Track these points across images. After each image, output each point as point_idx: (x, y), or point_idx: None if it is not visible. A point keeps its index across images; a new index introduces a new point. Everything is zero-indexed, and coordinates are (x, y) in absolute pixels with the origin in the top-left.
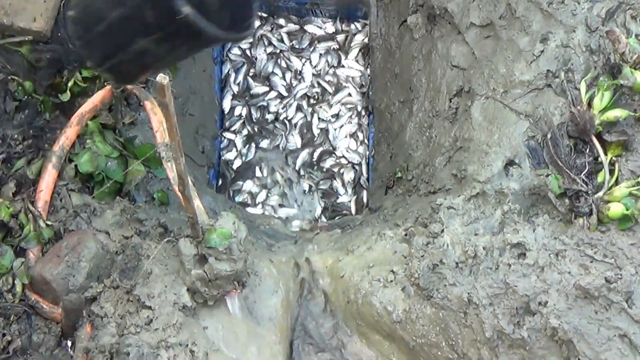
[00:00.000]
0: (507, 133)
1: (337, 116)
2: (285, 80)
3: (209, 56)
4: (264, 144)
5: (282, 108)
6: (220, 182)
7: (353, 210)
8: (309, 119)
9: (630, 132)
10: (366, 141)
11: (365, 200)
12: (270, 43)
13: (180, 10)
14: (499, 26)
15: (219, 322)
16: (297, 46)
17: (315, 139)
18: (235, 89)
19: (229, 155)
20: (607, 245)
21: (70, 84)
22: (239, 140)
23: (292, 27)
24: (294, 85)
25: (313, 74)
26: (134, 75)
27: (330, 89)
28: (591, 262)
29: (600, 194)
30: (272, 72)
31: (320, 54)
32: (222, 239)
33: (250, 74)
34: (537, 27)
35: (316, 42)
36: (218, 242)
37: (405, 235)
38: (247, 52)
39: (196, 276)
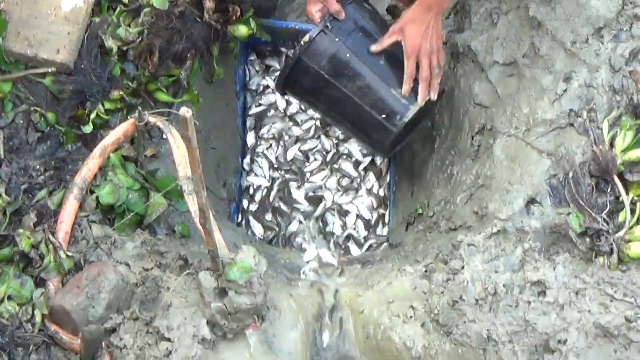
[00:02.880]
0: (529, 171)
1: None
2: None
3: (231, 90)
4: (284, 176)
5: (304, 140)
6: (241, 215)
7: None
8: (332, 153)
9: None
10: (388, 178)
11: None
12: None
13: None
14: (522, 64)
15: (238, 355)
16: None
17: (336, 176)
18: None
19: (250, 186)
20: (628, 284)
21: (92, 116)
22: (259, 174)
23: None
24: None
25: None
26: None
27: None
28: (611, 300)
29: (621, 233)
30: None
31: None
32: (243, 273)
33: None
34: (560, 66)
35: None
36: (238, 276)
37: (426, 271)
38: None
39: (216, 309)
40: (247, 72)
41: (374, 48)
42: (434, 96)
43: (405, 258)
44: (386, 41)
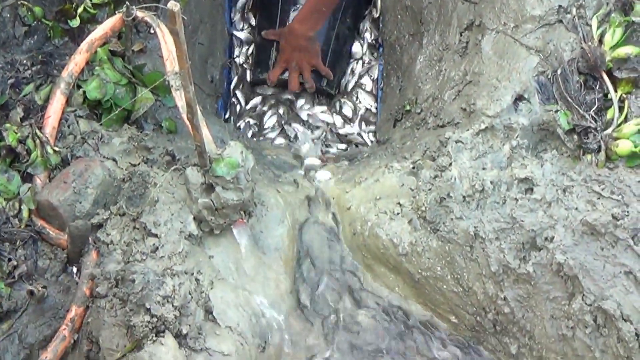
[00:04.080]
0: (517, 68)
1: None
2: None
3: None
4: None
5: None
6: (228, 111)
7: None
8: None
9: None
10: (376, 73)
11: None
12: None
13: None
14: None
15: (225, 251)
16: None
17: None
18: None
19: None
20: (615, 182)
21: (79, 10)
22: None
23: None
24: None
25: None
26: None
27: None
28: (598, 198)
29: (609, 130)
30: None
31: None
32: (230, 168)
33: None
34: None
35: None
36: (225, 172)
37: (413, 168)
38: None
39: (203, 205)
40: None
41: (263, 34)
42: None
43: (393, 155)
44: (270, 36)
